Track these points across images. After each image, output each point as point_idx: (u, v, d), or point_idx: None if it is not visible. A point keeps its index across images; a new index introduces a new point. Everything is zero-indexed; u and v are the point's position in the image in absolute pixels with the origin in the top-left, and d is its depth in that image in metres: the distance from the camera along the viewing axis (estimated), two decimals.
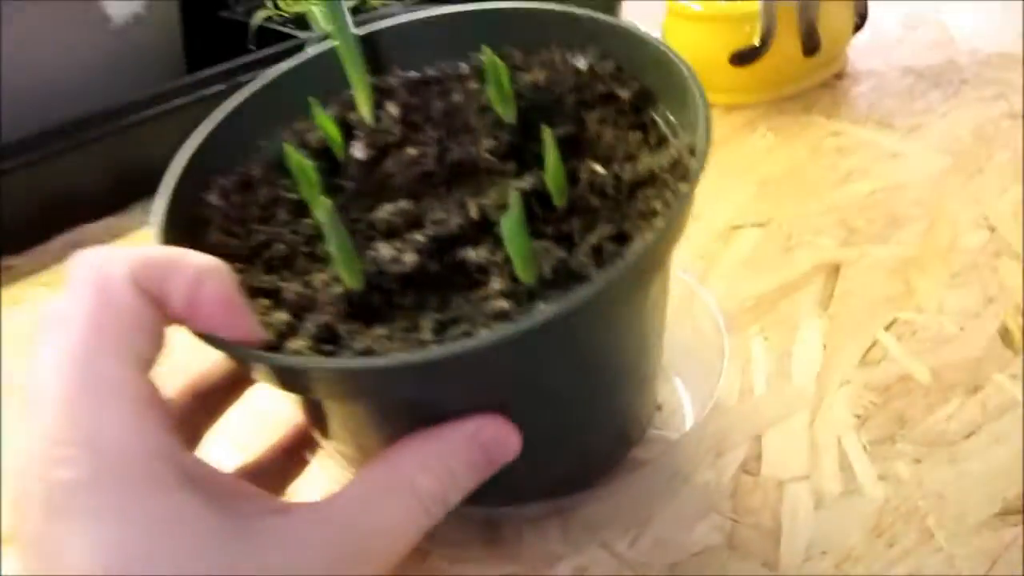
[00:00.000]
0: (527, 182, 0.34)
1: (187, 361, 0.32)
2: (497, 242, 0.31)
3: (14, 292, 0.64)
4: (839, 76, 0.78)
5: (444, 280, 0.32)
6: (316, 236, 0.34)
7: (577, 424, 0.35)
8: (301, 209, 0.35)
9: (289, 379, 0.29)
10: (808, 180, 0.63)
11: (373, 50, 0.39)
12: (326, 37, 0.72)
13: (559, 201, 0.33)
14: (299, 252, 0.34)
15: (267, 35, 0.83)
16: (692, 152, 0.32)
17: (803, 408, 0.44)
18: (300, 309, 0.31)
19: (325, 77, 0.38)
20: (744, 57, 0.71)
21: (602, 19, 0.37)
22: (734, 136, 0.70)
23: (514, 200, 0.28)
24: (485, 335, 0.27)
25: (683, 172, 0.32)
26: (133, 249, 0.27)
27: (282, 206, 0.36)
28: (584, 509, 0.40)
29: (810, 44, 0.71)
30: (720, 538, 0.38)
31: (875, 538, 0.37)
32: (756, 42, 0.70)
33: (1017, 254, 0.52)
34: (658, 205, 0.32)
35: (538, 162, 0.34)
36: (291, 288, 0.32)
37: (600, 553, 0.38)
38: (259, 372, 0.29)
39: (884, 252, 0.54)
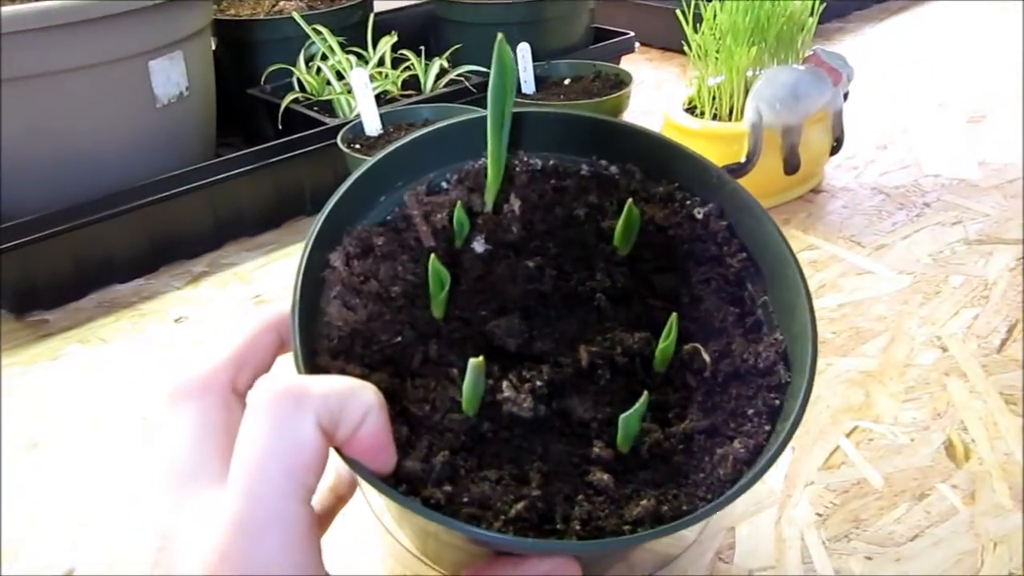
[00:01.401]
0: (636, 342, 0.35)
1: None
2: (599, 395, 0.34)
3: (51, 346, 0.69)
4: (815, 191, 0.86)
5: (547, 424, 0.34)
6: (430, 336, 0.35)
7: None
8: (416, 292, 0.36)
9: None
10: None
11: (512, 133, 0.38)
12: (348, 124, 0.79)
13: (660, 368, 0.35)
14: (414, 347, 0.35)
15: (294, 117, 0.89)
16: (785, 359, 0.34)
17: (772, 504, 0.50)
18: (419, 425, 0.33)
19: (453, 147, 0.39)
20: (732, 172, 0.78)
21: (727, 178, 0.38)
22: None
23: (643, 399, 0.31)
24: (613, 540, 0.30)
25: (776, 383, 0.34)
26: (316, 383, 0.28)
27: (398, 285, 0.36)
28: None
29: (791, 164, 0.79)
30: None
31: None
32: (743, 159, 0.78)
33: (964, 373, 0.59)
34: (750, 411, 0.34)
35: (644, 312, 0.36)
36: (411, 401, 0.33)
37: None
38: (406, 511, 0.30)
39: (848, 364, 0.61)
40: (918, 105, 1.06)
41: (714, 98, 0.82)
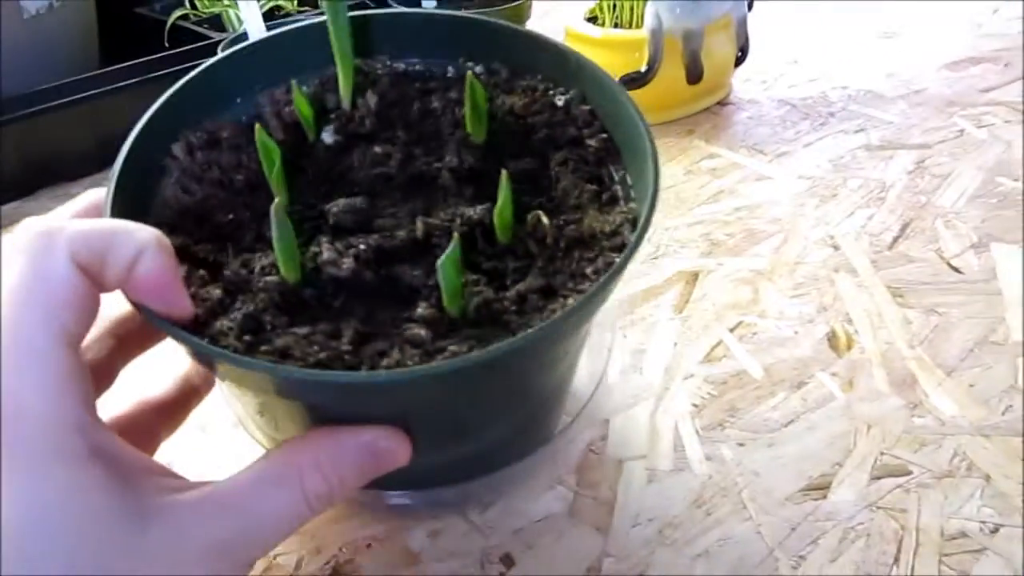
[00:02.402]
0: (476, 212, 0.35)
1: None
2: (434, 266, 0.32)
3: None
4: (722, 103, 0.84)
5: (376, 290, 0.33)
6: (266, 214, 0.34)
7: (478, 445, 0.38)
8: (260, 181, 0.36)
9: (204, 361, 0.30)
10: (681, 197, 0.68)
11: (365, 33, 0.39)
12: (239, 39, 0.75)
13: (503, 238, 0.35)
14: (247, 226, 0.35)
15: (182, 34, 0.85)
16: (633, 225, 0.34)
17: (649, 397, 0.49)
18: (235, 289, 0.32)
19: (314, 49, 0.38)
20: (632, 81, 0.76)
21: (589, 64, 0.38)
22: None
23: (454, 241, 0.30)
24: (400, 371, 0.28)
25: (620, 243, 0.33)
26: (77, 221, 0.27)
27: (242, 174, 0.36)
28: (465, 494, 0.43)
29: (693, 73, 0.77)
30: (562, 507, 0.42)
31: (696, 509, 0.42)
32: (643, 68, 0.75)
33: (853, 269, 0.58)
34: (589, 270, 0.33)
35: (494, 192, 0.34)
36: (231, 267, 0.33)
37: (454, 519, 0.42)
38: (182, 347, 0.30)
39: (739, 263, 0.60)
40: (830, 18, 1.05)
41: (614, 8, 0.80)
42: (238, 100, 0.39)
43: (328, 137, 0.38)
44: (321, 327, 0.31)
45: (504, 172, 0.33)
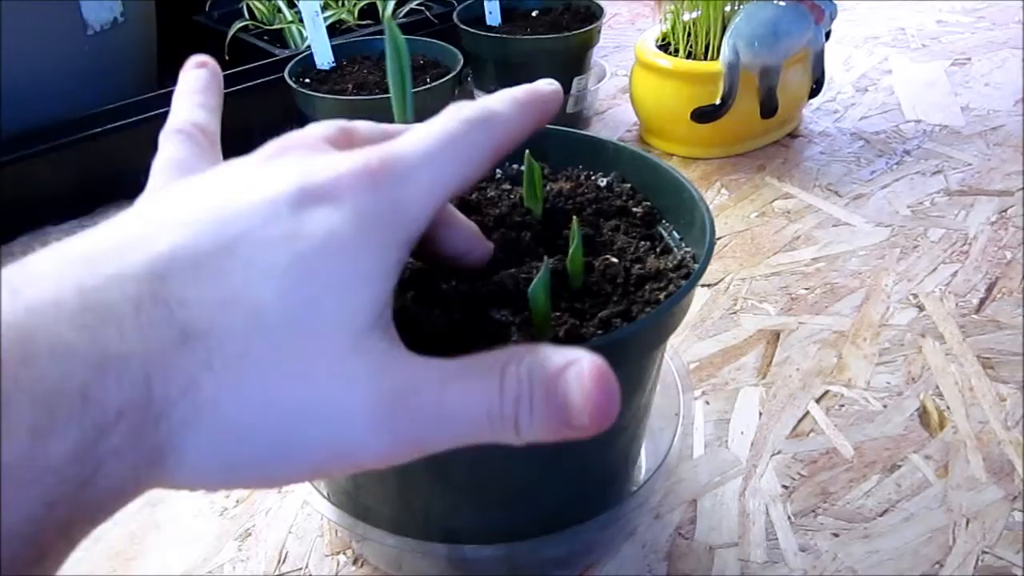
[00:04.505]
0: (550, 263, 0.37)
1: None
2: (520, 307, 0.34)
3: None
4: (792, 135, 0.82)
5: (469, 331, 0.34)
6: None
7: (559, 467, 0.38)
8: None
9: None
10: (757, 243, 0.67)
11: None
12: (297, 56, 0.74)
13: (576, 283, 0.36)
14: None
15: (243, 47, 0.84)
16: (695, 259, 0.37)
17: (737, 475, 0.47)
18: None
19: None
20: (705, 115, 0.74)
21: (625, 147, 0.43)
22: None
23: (544, 268, 0.31)
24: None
25: (686, 273, 0.36)
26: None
27: None
28: (535, 551, 0.43)
29: (768, 107, 0.75)
30: None
31: None
32: (717, 102, 0.73)
33: (940, 335, 0.57)
34: (662, 296, 0.35)
35: (558, 252, 0.37)
36: None
37: None
38: None
39: (821, 323, 0.58)
40: (901, 46, 1.02)
41: (689, 34, 0.77)
42: None
43: None
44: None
45: (574, 218, 0.34)
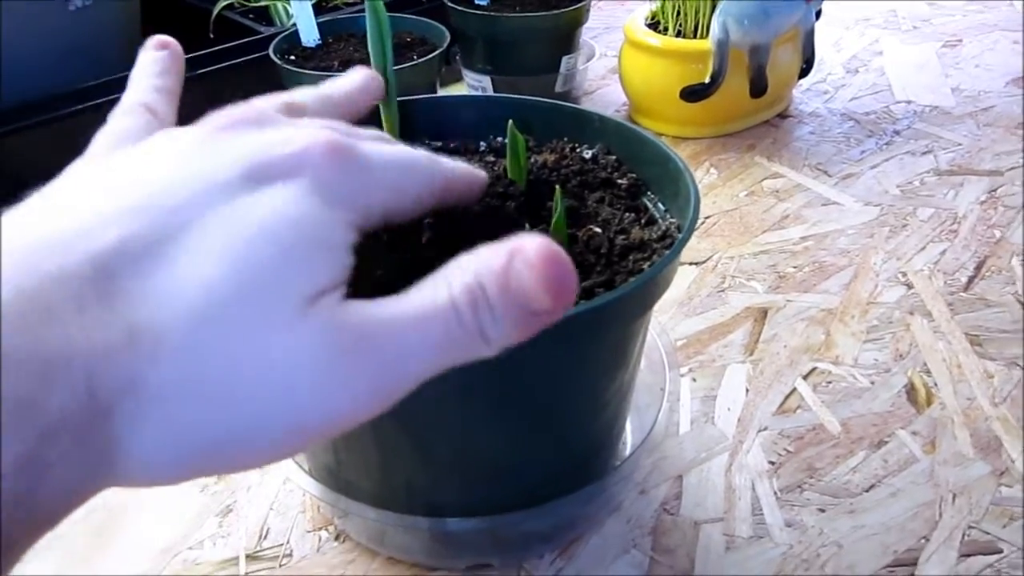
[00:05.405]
0: (538, 230, 0.37)
1: None
2: None
3: None
4: (783, 115, 0.82)
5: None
6: None
7: (543, 439, 0.38)
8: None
9: None
10: (745, 222, 0.66)
11: (407, 117, 0.42)
12: (282, 33, 0.73)
13: None
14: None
15: (228, 26, 0.83)
16: (680, 229, 0.36)
17: (723, 451, 0.47)
18: None
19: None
20: (694, 93, 0.74)
21: (610, 119, 0.42)
22: None
23: (557, 197, 0.33)
24: None
25: (670, 243, 0.36)
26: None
27: None
28: (518, 524, 0.42)
29: (758, 86, 0.74)
30: (637, 575, 0.41)
31: None
32: (706, 80, 0.73)
33: (928, 312, 0.56)
34: (646, 266, 0.35)
35: (542, 222, 0.37)
36: None
37: None
38: None
39: (809, 300, 0.58)
40: (893, 28, 1.01)
41: (679, 12, 0.77)
42: None
43: None
44: None
45: (557, 188, 0.35)
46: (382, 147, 0.26)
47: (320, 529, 0.44)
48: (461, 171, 0.30)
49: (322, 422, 0.21)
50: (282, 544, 0.43)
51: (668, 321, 0.56)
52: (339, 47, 0.75)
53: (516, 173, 0.39)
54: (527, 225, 0.37)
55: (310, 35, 0.74)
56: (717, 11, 0.72)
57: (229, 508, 0.45)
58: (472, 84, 0.84)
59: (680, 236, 0.35)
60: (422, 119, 0.44)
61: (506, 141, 0.40)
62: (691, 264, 0.62)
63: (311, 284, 0.21)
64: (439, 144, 0.44)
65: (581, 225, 0.38)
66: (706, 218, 0.67)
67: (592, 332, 0.34)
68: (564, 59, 0.81)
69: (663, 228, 0.37)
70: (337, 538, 0.43)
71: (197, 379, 0.20)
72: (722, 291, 0.59)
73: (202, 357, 0.20)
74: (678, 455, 0.47)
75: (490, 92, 0.82)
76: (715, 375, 0.52)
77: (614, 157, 0.42)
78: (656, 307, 0.54)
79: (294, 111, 0.29)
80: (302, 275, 0.21)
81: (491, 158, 0.42)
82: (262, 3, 0.84)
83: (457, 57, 0.84)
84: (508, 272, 0.22)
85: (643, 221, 0.39)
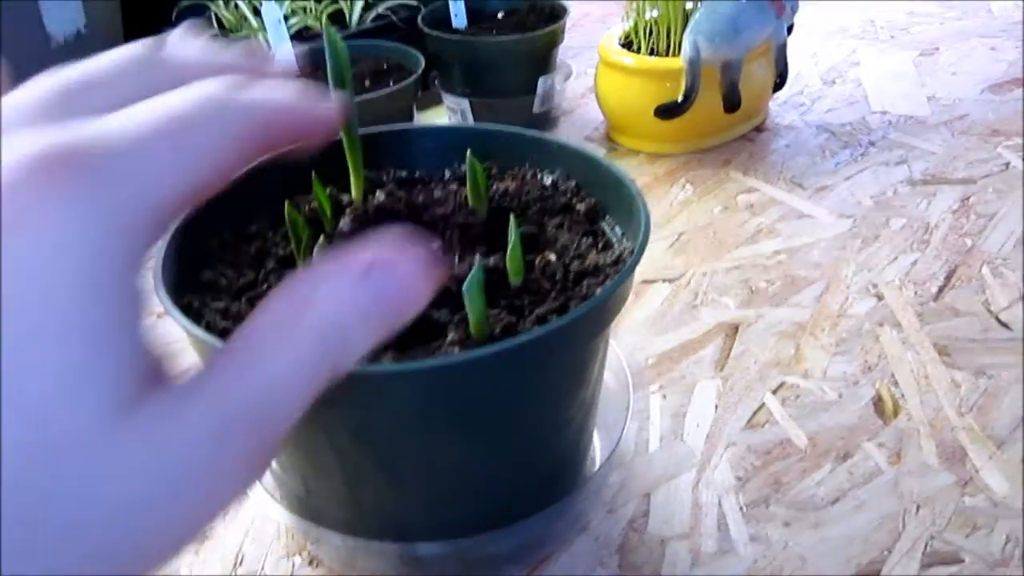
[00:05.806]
0: (489, 261, 0.38)
1: None
2: (458, 306, 0.34)
3: None
4: (759, 129, 0.83)
5: (407, 333, 0.33)
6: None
7: (506, 460, 0.39)
8: (289, 262, 0.39)
9: None
10: (719, 237, 0.67)
11: (374, 148, 0.43)
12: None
13: (515, 279, 0.37)
14: (276, 283, 0.37)
15: None
16: (632, 252, 0.37)
17: (691, 467, 0.48)
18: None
19: (333, 166, 0.40)
20: (668, 111, 0.74)
21: (569, 145, 0.44)
22: (656, 185, 0.74)
23: (477, 267, 0.32)
24: (443, 358, 0.32)
25: (621, 268, 0.37)
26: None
27: (272, 257, 0.40)
28: (486, 545, 0.43)
29: (731, 102, 0.75)
30: None
31: None
32: (679, 98, 0.74)
33: (898, 323, 0.57)
34: (599, 291, 0.36)
35: (500, 249, 0.37)
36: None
37: None
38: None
39: (780, 315, 0.59)
40: (870, 38, 1.02)
41: (651, 32, 0.78)
42: (266, 209, 0.42)
43: (345, 225, 0.40)
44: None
45: (512, 217, 0.36)
46: (133, 119, 0.19)
47: (294, 555, 0.45)
48: (288, 104, 0.22)
49: (214, 504, 0.19)
50: (257, 571, 0.44)
51: (639, 340, 0.57)
52: (317, 75, 0.76)
53: (477, 200, 0.40)
54: (478, 255, 0.38)
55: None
56: (688, 29, 0.73)
57: (205, 535, 0.46)
58: (451, 107, 0.85)
59: (629, 261, 0.36)
60: (387, 150, 0.45)
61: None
62: (664, 281, 0.62)
63: (94, 401, 0.17)
64: (404, 174, 0.45)
65: (540, 250, 0.39)
66: (680, 235, 0.67)
67: (547, 356, 0.34)
68: (541, 80, 0.82)
69: (618, 252, 0.38)
70: (311, 563, 0.44)
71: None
72: (695, 307, 0.60)
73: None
74: (646, 473, 0.48)
75: (469, 115, 0.83)
76: (685, 392, 0.53)
77: (574, 182, 0.43)
78: (628, 325, 0.56)
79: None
80: (60, 399, 0.16)
81: (454, 186, 0.43)
82: (244, 33, 0.85)
83: (436, 82, 0.86)
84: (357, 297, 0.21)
85: (600, 245, 0.40)
